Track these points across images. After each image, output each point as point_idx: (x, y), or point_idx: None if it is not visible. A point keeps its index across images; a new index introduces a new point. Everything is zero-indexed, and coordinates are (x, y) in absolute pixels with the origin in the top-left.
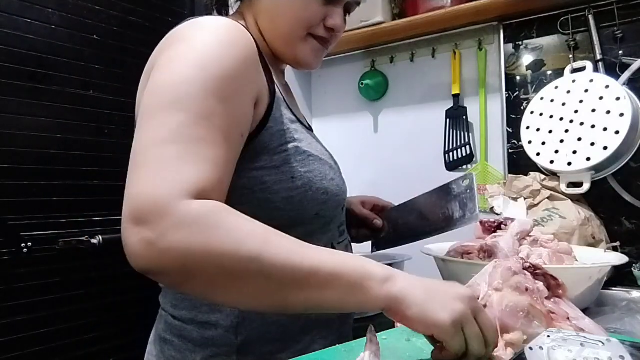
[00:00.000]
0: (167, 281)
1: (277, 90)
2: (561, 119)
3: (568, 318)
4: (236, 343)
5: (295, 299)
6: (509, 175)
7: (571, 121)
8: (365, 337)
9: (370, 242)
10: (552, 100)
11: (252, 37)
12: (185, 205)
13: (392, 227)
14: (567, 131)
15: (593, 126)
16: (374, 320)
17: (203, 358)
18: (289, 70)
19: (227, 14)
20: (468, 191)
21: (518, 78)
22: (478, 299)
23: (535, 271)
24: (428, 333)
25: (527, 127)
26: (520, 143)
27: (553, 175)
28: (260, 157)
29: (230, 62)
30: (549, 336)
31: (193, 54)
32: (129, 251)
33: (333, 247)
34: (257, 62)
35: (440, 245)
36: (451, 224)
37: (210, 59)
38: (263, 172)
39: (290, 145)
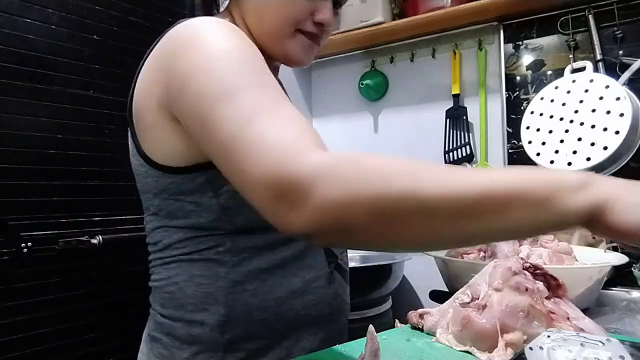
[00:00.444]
0: (334, 240)
1: None
2: (561, 119)
3: (568, 318)
4: (222, 341)
5: (475, 229)
6: None
7: (571, 121)
8: (365, 337)
9: None
10: (552, 100)
11: None
12: (318, 156)
13: None
14: (567, 131)
15: (593, 126)
16: (374, 320)
17: (190, 355)
18: (289, 71)
19: (218, 12)
20: None
21: (518, 78)
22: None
23: (535, 271)
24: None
25: (527, 127)
26: (520, 143)
27: None
28: None
29: (248, 43)
30: (549, 336)
31: (204, 49)
32: (287, 230)
33: (326, 247)
34: None
35: None
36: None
37: (232, 44)
38: None
39: None
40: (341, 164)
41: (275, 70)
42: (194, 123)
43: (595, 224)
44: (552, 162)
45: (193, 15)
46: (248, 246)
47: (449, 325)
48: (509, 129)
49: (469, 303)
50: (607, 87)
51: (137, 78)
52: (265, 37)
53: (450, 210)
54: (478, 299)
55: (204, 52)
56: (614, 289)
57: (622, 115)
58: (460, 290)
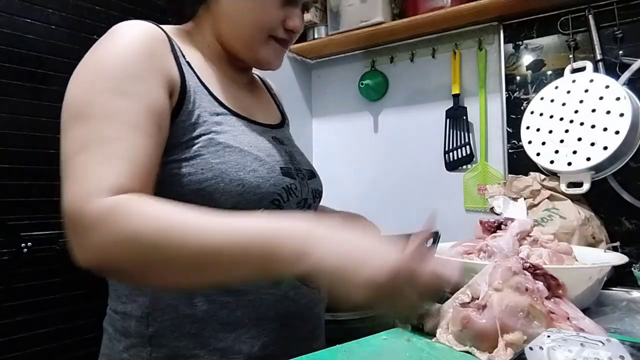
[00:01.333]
0: (111, 276)
1: (189, 83)
2: (561, 119)
3: (568, 318)
4: (147, 334)
5: (214, 278)
6: (509, 175)
7: (571, 121)
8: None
9: None
10: (552, 100)
11: (166, 34)
12: (96, 204)
13: None
14: (567, 131)
15: (593, 126)
16: (374, 320)
17: (124, 348)
18: (289, 71)
19: (182, 17)
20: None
21: (518, 78)
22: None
23: (535, 271)
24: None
25: (527, 127)
26: (520, 143)
27: (553, 175)
28: (172, 150)
29: (125, 58)
30: (549, 336)
31: (91, 59)
32: (75, 257)
33: None
34: (164, 56)
35: (440, 245)
36: None
37: (104, 60)
38: (174, 165)
39: (204, 137)
40: (109, 213)
41: (248, 70)
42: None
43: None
44: (552, 162)
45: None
46: None
47: (449, 325)
48: (509, 129)
49: (469, 303)
50: (607, 87)
51: None
52: (238, 43)
53: (193, 262)
54: (478, 299)
55: (83, 64)
56: (614, 289)
57: (622, 115)
58: (460, 290)
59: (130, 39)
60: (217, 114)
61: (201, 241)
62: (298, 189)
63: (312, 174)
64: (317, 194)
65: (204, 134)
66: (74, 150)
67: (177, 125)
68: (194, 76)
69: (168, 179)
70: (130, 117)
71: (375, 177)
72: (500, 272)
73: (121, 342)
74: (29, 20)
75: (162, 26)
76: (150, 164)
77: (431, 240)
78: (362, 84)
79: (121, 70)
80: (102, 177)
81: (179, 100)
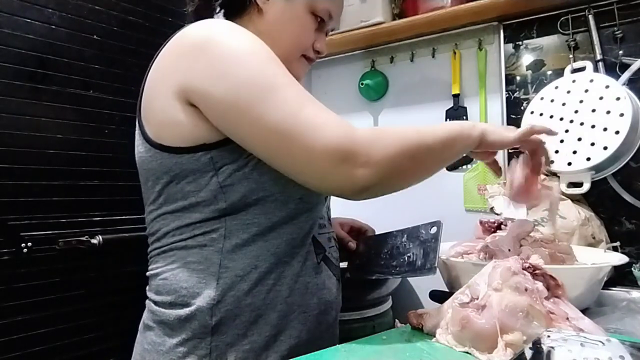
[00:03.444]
0: (388, 186)
1: None
2: (561, 119)
3: (567, 318)
4: (211, 324)
5: (448, 156)
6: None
7: (571, 121)
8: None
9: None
10: (552, 100)
11: None
12: (361, 133)
13: (365, 256)
14: (567, 131)
15: (593, 126)
16: (374, 320)
17: (179, 342)
18: None
19: (232, 10)
20: (433, 240)
21: (518, 78)
22: (477, 299)
23: (535, 271)
24: (505, 147)
25: None
26: None
27: (553, 175)
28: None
29: (255, 43)
30: (549, 336)
31: (230, 48)
32: (350, 187)
33: (315, 239)
34: None
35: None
36: (411, 270)
37: (248, 45)
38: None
39: None
40: (379, 134)
41: None
42: (228, 112)
43: (482, 143)
44: (552, 162)
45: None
46: (241, 233)
47: (449, 325)
48: None
49: (468, 303)
50: (607, 87)
51: (147, 76)
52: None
53: (438, 148)
54: (477, 299)
55: (232, 49)
56: (614, 289)
57: (622, 115)
58: (459, 291)
59: (249, 34)
60: None
61: (438, 135)
62: None
63: None
64: None
65: None
66: (297, 107)
67: None
68: None
69: (249, 167)
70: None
71: None
72: (499, 273)
73: (174, 336)
74: (29, 20)
75: None
76: None
77: (435, 228)
78: (362, 84)
79: (266, 51)
80: (340, 119)
81: None
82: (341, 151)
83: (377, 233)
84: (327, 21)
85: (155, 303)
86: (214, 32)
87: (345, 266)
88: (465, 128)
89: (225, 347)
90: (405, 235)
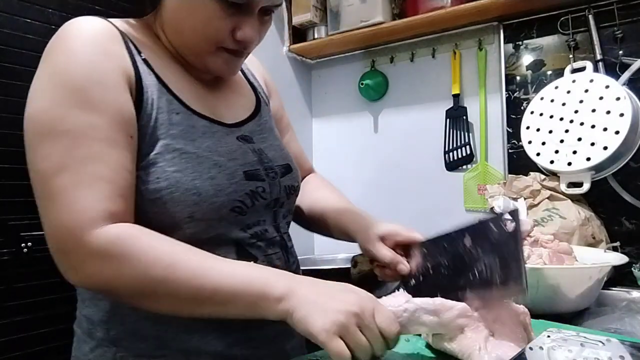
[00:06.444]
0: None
1: (146, 83)
2: (561, 119)
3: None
4: (110, 337)
5: (204, 312)
6: (509, 175)
7: (571, 121)
8: None
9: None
10: (552, 100)
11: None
12: (95, 235)
13: (421, 273)
14: (567, 131)
15: (593, 126)
16: None
17: (91, 348)
18: (289, 70)
19: (143, 9)
20: (511, 242)
21: (518, 78)
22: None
23: None
24: (313, 341)
25: (527, 127)
26: (520, 143)
27: (553, 175)
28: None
29: (84, 63)
30: (549, 336)
31: (48, 68)
32: (64, 274)
33: (256, 261)
34: (118, 53)
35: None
36: (489, 290)
37: (64, 68)
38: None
39: (161, 143)
40: (115, 247)
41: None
42: (26, 139)
43: (286, 318)
44: (552, 162)
45: None
46: None
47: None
48: (509, 129)
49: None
50: (607, 87)
51: None
52: (185, 51)
53: (190, 298)
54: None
55: (48, 71)
56: (614, 289)
57: (622, 115)
58: None
59: (83, 40)
60: (177, 113)
61: (202, 280)
62: (267, 190)
63: (288, 169)
64: (292, 190)
65: (160, 139)
66: (51, 171)
67: (138, 131)
68: (151, 74)
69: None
70: (102, 132)
71: (375, 177)
72: None
73: (87, 343)
74: (29, 20)
75: (113, 20)
76: (130, 178)
77: (513, 224)
78: (362, 84)
79: (84, 78)
80: (91, 205)
81: (136, 101)
82: (63, 245)
83: (428, 237)
84: (251, 2)
85: (77, 309)
86: (53, 43)
87: (397, 290)
88: (269, 288)
89: (133, 358)
90: (469, 237)
